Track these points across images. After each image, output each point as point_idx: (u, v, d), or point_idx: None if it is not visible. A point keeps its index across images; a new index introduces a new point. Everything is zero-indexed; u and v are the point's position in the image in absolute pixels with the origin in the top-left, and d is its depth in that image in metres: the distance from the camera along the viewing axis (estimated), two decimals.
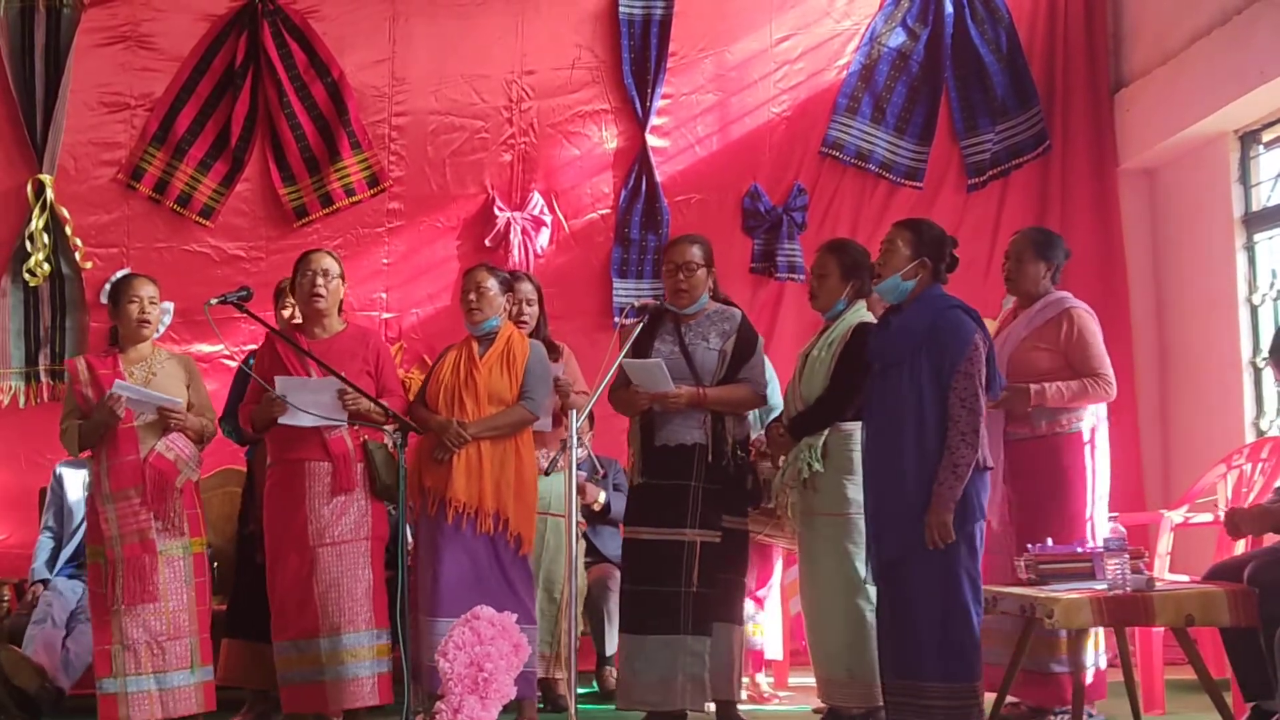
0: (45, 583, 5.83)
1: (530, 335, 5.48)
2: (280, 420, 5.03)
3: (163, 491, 4.99)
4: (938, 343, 4.34)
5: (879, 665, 4.49)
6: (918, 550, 4.29)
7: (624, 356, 5.01)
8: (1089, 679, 4.89)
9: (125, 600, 4.91)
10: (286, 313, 5.66)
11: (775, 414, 5.60)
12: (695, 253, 5.08)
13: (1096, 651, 4.93)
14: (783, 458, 4.96)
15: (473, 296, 5.24)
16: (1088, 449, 5.04)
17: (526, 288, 5.68)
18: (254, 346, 6.50)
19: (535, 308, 5.69)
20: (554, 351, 5.55)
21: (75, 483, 5.98)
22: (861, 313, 4.91)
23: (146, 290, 5.14)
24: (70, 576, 5.87)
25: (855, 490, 4.74)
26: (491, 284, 5.25)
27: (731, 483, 5.01)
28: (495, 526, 5.11)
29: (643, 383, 4.97)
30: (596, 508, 6.07)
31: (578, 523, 5.67)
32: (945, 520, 4.24)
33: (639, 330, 5.13)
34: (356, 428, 5.08)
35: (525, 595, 5.16)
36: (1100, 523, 4.97)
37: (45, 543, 5.97)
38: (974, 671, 4.31)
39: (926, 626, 4.29)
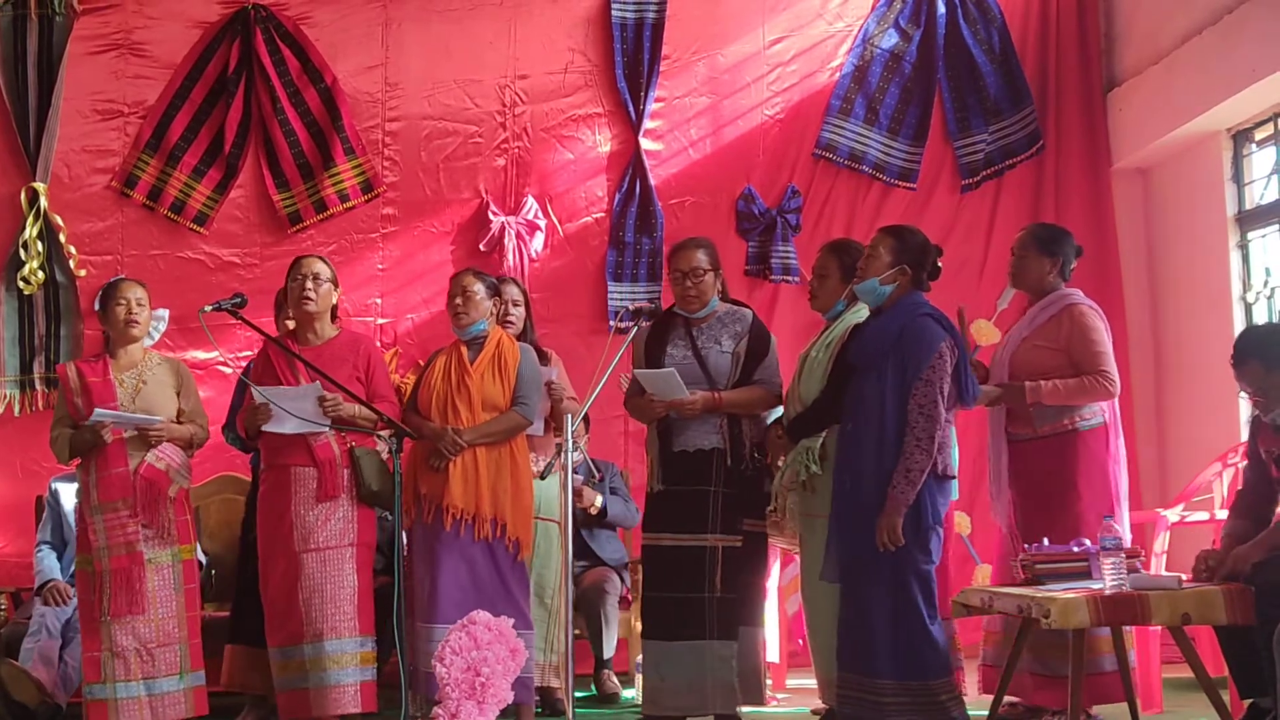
0: (50, 584, 5.79)
1: (517, 338, 5.48)
2: (264, 428, 5.03)
3: (155, 502, 4.99)
4: (904, 349, 4.39)
5: (836, 659, 4.51)
6: (870, 551, 4.34)
7: (636, 364, 5.02)
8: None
9: (113, 612, 4.91)
10: (290, 324, 5.65)
11: (775, 416, 5.61)
12: (701, 258, 5.07)
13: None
14: (781, 460, 4.96)
15: (459, 301, 5.24)
16: (1109, 444, 4.98)
17: (513, 290, 5.67)
18: (250, 353, 6.52)
19: (521, 309, 5.68)
20: (542, 357, 5.53)
21: (71, 496, 5.94)
22: (861, 314, 4.90)
23: (134, 293, 5.13)
24: (67, 584, 5.85)
25: None
26: (478, 287, 5.24)
27: (750, 486, 5.01)
28: (493, 532, 5.10)
29: (658, 391, 4.98)
30: (593, 511, 6.07)
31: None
32: (895, 523, 4.30)
33: (648, 335, 5.13)
34: (343, 434, 5.07)
35: (523, 601, 5.15)
36: (1124, 520, 4.94)
37: (47, 551, 5.94)
38: (928, 671, 4.34)
39: (879, 626, 4.35)
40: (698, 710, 4.91)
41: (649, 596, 5.09)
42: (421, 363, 6.79)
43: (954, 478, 4.52)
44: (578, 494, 5.92)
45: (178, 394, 5.17)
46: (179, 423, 5.17)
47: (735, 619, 4.94)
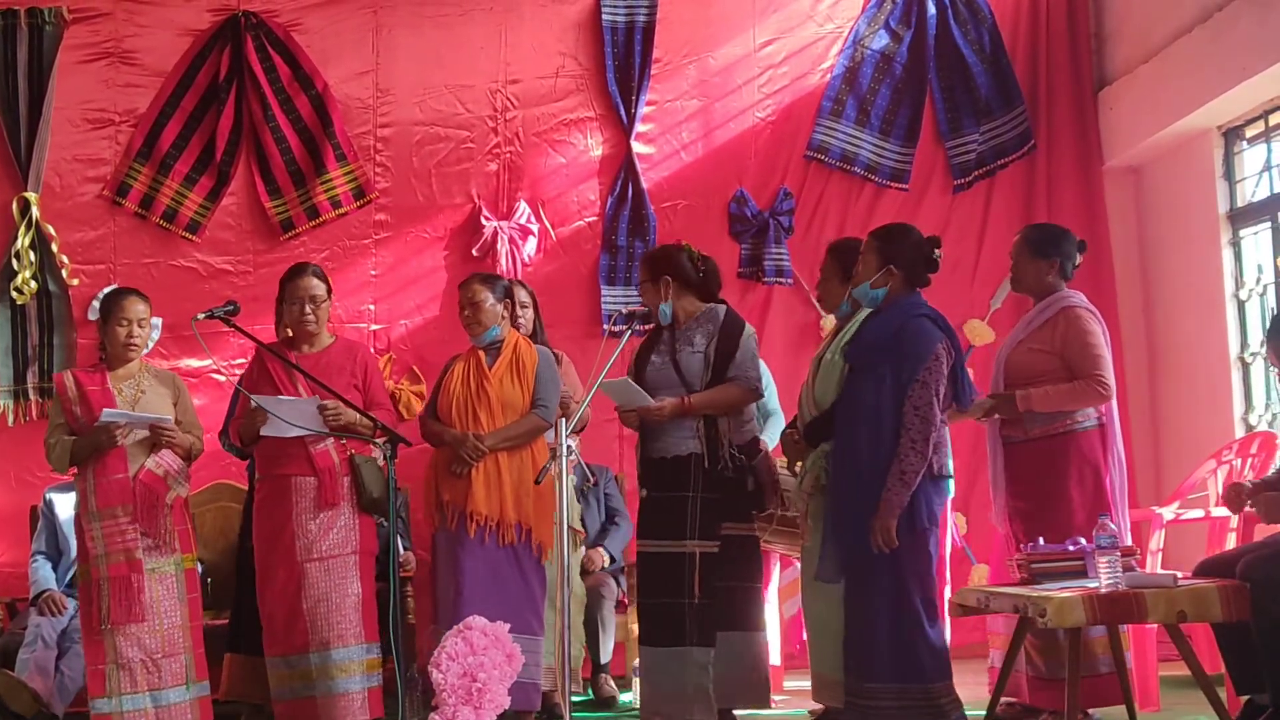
0: (45, 594, 5.77)
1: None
2: (262, 431, 5.01)
3: (153, 508, 4.95)
4: (900, 350, 4.36)
5: (843, 665, 4.50)
6: (866, 553, 4.32)
7: (610, 374, 5.01)
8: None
9: (112, 620, 4.86)
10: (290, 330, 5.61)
11: (771, 419, 5.59)
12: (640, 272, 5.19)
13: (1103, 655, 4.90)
14: (799, 464, 4.91)
15: (468, 312, 5.26)
16: (1105, 446, 4.94)
17: (521, 293, 5.71)
18: (244, 360, 6.51)
19: (530, 310, 5.70)
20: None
21: (66, 506, 5.94)
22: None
23: (136, 311, 5.07)
24: (64, 593, 5.83)
25: None
26: (485, 295, 5.25)
27: (730, 489, 4.98)
28: (518, 537, 5.12)
29: (621, 401, 5.00)
30: (598, 568, 6.06)
31: (576, 531, 5.68)
32: (889, 525, 4.29)
33: (640, 344, 5.15)
34: (343, 441, 5.07)
35: (543, 605, 5.18)
36: (1124, 521, 4.93)
37: (43, 561, 5.93)
38: (926, 674, 4.32)
39: (876, 629, 4.34)
40: (681, 716, 4.90)
41: (640, 603, 5.12)
42: (416, 368, 6.82)
43: (949, 477, 4.52)
44: (590, 560, 6.00)
45: (174, 405, 5.16)
46: None
47: (714, 624, 4.92)
